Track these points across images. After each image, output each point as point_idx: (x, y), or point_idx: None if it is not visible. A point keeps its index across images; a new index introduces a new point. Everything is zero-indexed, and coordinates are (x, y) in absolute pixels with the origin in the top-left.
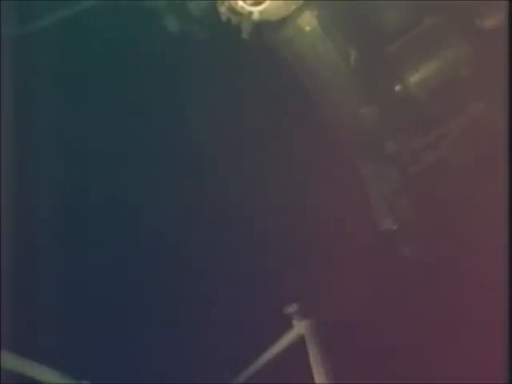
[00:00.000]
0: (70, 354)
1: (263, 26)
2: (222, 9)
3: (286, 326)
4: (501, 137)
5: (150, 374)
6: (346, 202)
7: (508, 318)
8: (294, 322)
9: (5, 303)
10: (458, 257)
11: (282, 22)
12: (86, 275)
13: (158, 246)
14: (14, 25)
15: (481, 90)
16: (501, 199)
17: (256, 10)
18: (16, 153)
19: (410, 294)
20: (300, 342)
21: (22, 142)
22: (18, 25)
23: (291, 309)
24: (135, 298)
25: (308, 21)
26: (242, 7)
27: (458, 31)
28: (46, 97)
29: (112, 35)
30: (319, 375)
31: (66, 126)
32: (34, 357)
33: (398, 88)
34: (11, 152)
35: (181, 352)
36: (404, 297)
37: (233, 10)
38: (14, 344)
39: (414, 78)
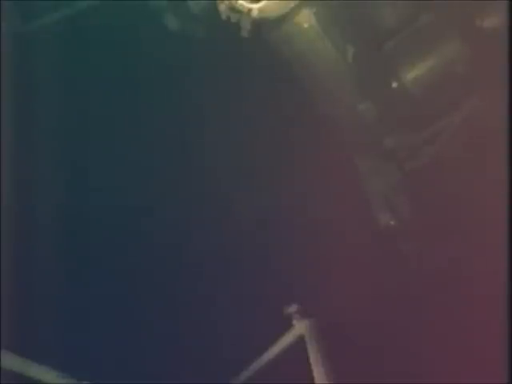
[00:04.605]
0: (70, 354)
1: (262, 24)
2: (222, 7)
3: (286, 325)
4: (498, 133)
5: (150, 374)
6: (346, 200)
7: (508, 319)
8: (294, 321)
9: (5, 303)
10: (458, 254)
11: (281, 19)
12: (86, 275)
13: (159, 246)
14: (16, 22)
15: (477, 86)
16: (499, 195)
17: (255, 7)
18: (16, 152)
19: (410, 293)
20: (300, 342)
21: (22, 141)
22: (20, 23)
23: (291, 309)
24: (135, 298)
25: (306, 18)
26: (242, 5)
27: (454, 28)
28: (46, 95)
29: (113, 34)
30: (319, 375)
31: (66, 124)
32: (34, 357)
33: (395, 84)
34: (11, 152)
35: (181, 352)
36: (404, 297)
37: (232, 8)
38: (14, 344)
39: (410, 75)
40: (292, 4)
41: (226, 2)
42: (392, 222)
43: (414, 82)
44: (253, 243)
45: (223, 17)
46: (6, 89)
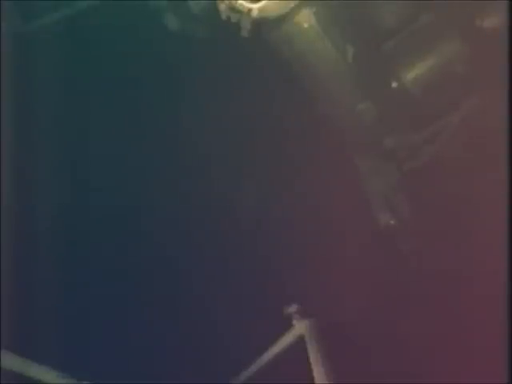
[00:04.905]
0: (70, 354)
1: (262, 24)
2: (222, 7)
3: (286, 326)
4: (498, 133)
5: (150, 374)
6: (346, 200)
7: (508, 319)
8: (294, 322)
9: (5, 303)
10: (457, 254)
11: (281, 19)
12: (86, 275)
13: (158, 246)
14: (16, 22)
15: (477, 86)
16: (499, 195)
17: (255, 7)
18: (16, 152)
19: (410, 293)
20: (300, 342)
21: (22, 141)
22: (20, 23)
23: (291, 309)
24: (135, 298)
25: (306, 18)
26: (242, 5)
27: (454, 28)
28: (46, 95)
29: (113, 34)
30: (319, 375)
31: (66, 124)
32: (34, 357)
33: (394, 84)
34: (11, 152)
35: (181, 352)
36: (404, 297)
37: (232, 8)
38: (14, 344)
39: (410, 75)
40: (292, 4)
41: (226, 2)
42: (392, 222)
43: (414, 82)
44: (253, 243)
45: (223, 17)
46: (6, 89)
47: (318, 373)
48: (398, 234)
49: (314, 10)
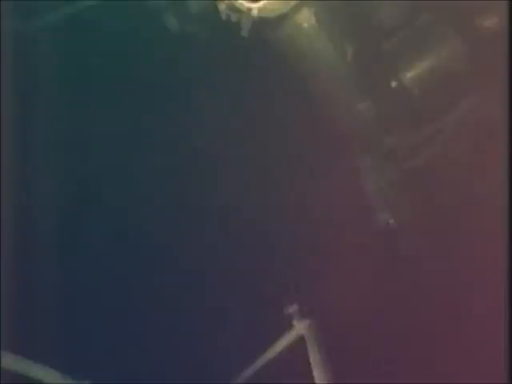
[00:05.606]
0: (70, 354)
1: (262, 24)
2: (222, 7)
3: (286, 326)
4: (497, 131)
5: (150, 374)
6: (345, 200)
7: (508, 319)
8: (294, 322)
9: (5, 303)
10: (457, 254)
11: (281, 18)
12: (86, 275)
13: (158, 245)
14: (16, 22)
15: (477, 86)
16: (498, 192)
17: (255, 6)
18: (16, 151)
19: (410, 293)
20: (300, 342)
21: (23, 139)
22: (20, 22)
23: (291, 309)
24: (135, 298)
25: (306, 18)
26: (242, 4)
27: (454, 28)
28: (46, 94)
29: (113, 34)
30: (319, 375)
31: (66, 124)
32: (34, 357)
33: (394, 84)
34: (11, 152)
35: (181, 352)
36: (404, 297)
37: (232, 8)
38: (14, 344)
39: (409, 74)
40: (292, 3)
41: (226, 2)
42: (392, 222)
43: (414, 82)
44: (253, 243)
45: (223, 16)
46: (7, 89)
47: (318, 373)
48: (398, 233)
49: (313, 9)
